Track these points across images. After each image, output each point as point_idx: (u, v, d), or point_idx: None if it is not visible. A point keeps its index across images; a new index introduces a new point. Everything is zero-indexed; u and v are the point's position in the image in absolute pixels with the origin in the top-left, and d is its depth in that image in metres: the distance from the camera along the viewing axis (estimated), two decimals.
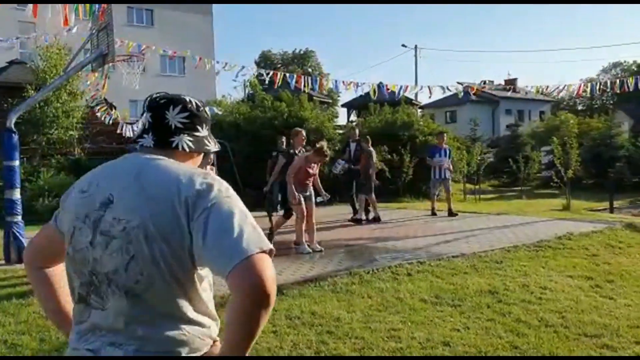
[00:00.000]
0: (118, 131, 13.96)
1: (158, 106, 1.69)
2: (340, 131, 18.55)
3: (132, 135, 12.89)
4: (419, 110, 31.82)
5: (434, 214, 12.13)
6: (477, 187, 18.90)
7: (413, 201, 16.16)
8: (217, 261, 1.41)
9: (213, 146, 1.76)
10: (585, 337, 5.02)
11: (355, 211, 11.41)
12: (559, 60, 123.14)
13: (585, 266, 7.28)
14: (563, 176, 14.06)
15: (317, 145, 8.14)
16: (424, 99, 54.30)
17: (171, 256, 1.47)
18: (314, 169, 8.22)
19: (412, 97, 26.51)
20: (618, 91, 13.75)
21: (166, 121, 1.67)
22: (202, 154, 1.78)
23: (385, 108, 19.62)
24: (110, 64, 8.64)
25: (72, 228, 1.59)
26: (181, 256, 1.48)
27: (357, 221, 11.19)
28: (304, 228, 8.15)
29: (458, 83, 19.30)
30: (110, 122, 13.70)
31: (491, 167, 24.86)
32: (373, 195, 11.15)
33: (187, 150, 1.67)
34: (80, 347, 1.56)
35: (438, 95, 14.26)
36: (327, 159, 8.63)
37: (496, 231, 9.62)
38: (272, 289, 1.37)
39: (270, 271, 1.38)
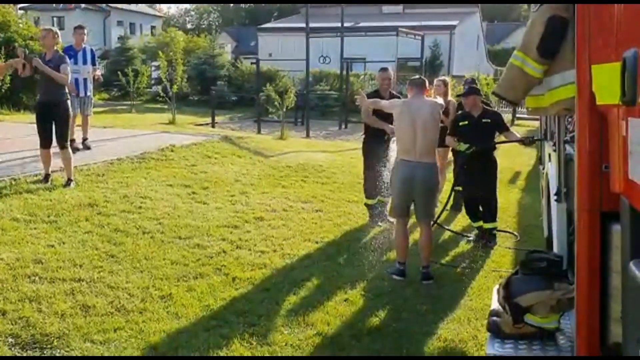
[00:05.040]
0: None
1: None
2: None
3: None
4: (20, 11, 28.11)
5: (75, 147, 8.33)
6: None
7: (13, 113, 14.45)
8: None
9: None
10: (179, 239, 5.45)
11: None
12: None
13: (184, 175, 7.80)
14: (169, 91, 14.51)
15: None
16: None
17: None
18: None
19: None
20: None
21: None
22: None
23: None
24: None
25: None
26: None
27: None
28: None
29: None
30: None
31: (102, 80, 24.02)
32: None
33: None
34: None
35: None
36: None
37: (102, 145, 9.41)
38: None
39: None
